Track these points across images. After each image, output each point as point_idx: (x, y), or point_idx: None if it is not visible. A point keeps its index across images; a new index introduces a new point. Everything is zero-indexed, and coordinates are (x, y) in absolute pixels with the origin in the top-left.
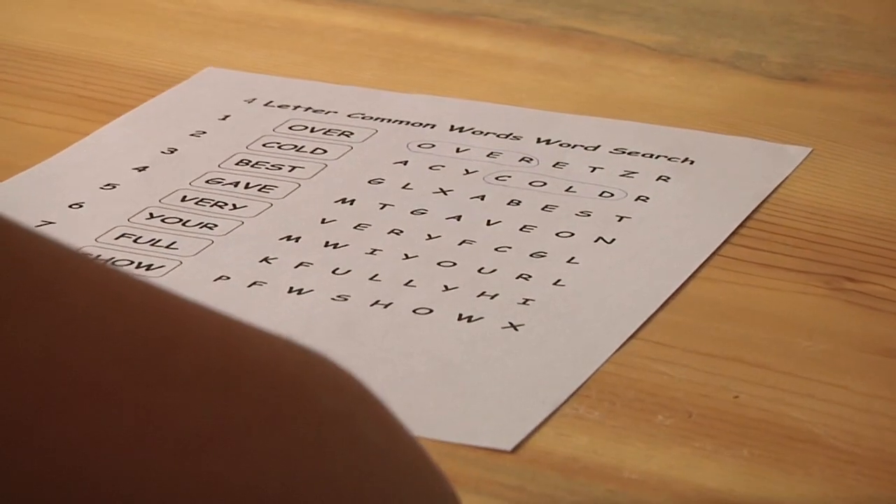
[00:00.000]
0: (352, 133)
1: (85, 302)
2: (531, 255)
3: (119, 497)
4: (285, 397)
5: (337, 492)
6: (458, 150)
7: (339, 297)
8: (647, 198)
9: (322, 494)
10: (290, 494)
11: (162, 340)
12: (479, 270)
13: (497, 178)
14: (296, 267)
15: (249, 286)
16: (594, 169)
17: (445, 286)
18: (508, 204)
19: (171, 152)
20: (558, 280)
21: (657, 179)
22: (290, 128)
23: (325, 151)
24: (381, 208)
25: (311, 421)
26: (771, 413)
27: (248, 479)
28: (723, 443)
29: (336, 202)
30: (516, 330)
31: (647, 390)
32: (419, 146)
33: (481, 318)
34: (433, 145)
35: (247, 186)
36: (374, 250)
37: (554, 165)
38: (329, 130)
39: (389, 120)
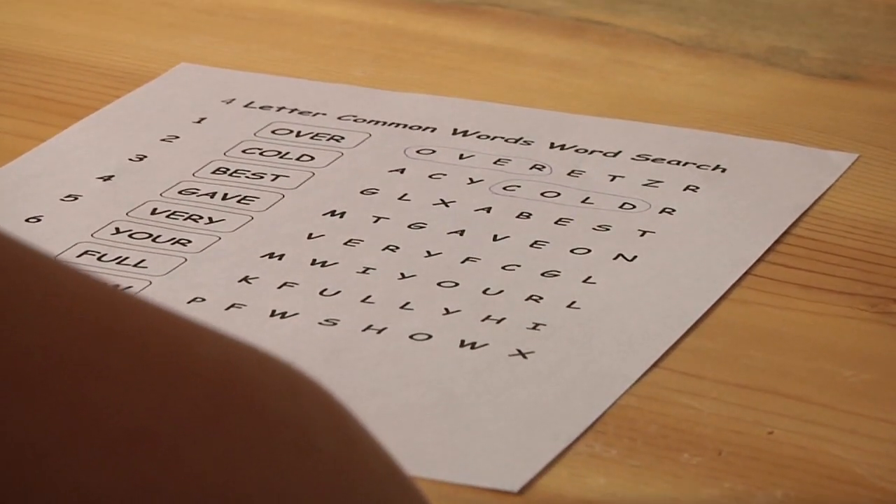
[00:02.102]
0: (342, 137)
1: (9, 285)
2: (542, 275)
3: (43, 497)
4: (231, 398)
5: (281, 502)
6: (461, 157)
7: (327, 321)
8: (674, 210)
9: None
10: (228, 501)
11: (97, 329)
12: (485, 291)
13: (505, 188)
14: (279, 287)
15: (227, 309)
16: (614, 177)
17: (446, 309)
18: (517, 217)
19: (140, 159)
20: (573, 302)
21: (684, 189)
22: (272, 131)
23: (313, 158)
24: (375, 222)
25: (258, 425)
26: (809, 451)
27: (183, 482)
28: (756, 484)
29: (324, 215)
30: (525, 358)
31: (671, 425)
32: (417, 152)
33: (486, 344)
34: (433, 151)
35: (224, 198)
36: (367, 269)
37: (569, 174)
38: (316, 134)
39: (384, 122)
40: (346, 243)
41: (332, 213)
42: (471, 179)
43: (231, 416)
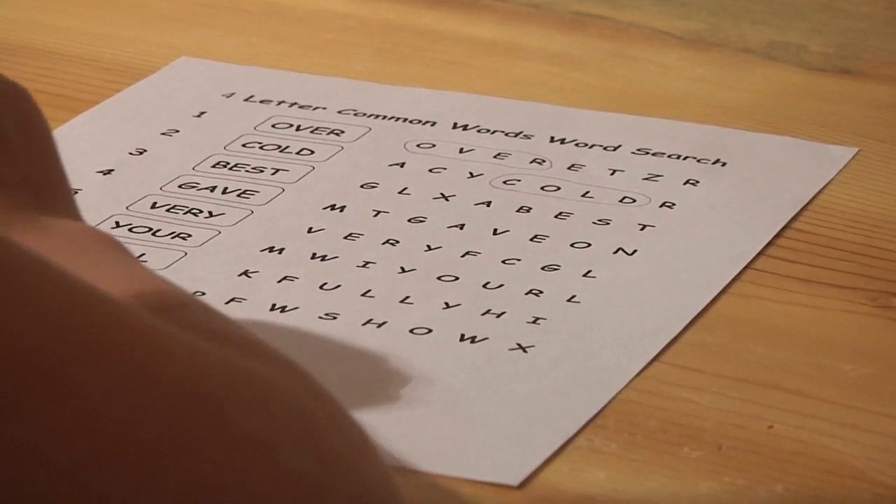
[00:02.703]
0: (342, 131)
1: None
2: (542, 269)
3: None
4: (199, 417)
5: None
6: (461, 151)
7: (327, 315)
8: (674, 204)
9: None
10: None
11: (67, 350)
12: (485, 285)
13: (505, 182)
14: (279, 281)
15: (227, 302)
16: (614, 171)
17: (446, 303)
18: (518, 211)
19: (140, 153)
20: (573, 296)
21: (684, 183)
22: (272, 125)
23: (313, 152)
24: (375, 216)
25: (225, 444)
26: (809, 445)
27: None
28: (756, 478)
29: (324, 209)
30: (525, 352)
31: (671, 420)
32: (418, 146)
33: (486, 338)
34: (433, 145)
35: (224, 191)
36: (367, 263)
37: (569, 168)
38: (317, 128)
39: (384, 117)
40: (346, 237)
41: (332, 207)
42: (471, 173)
43: (198, 436)
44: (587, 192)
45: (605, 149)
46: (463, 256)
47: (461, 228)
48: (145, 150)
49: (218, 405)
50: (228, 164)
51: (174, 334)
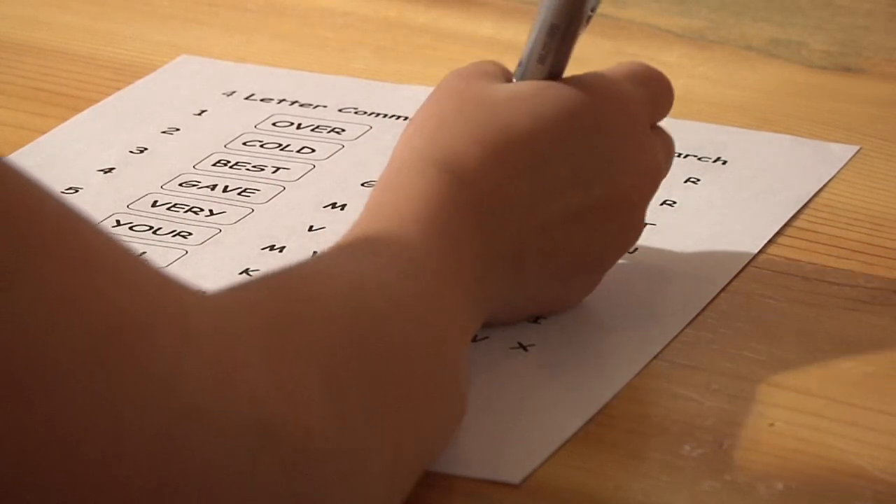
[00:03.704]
0: (343, 130)
1: None
2: None
3: None
4: (118, 349)
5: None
6: None
7: None
8: (674, 202)
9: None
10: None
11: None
12: None
13: None
14: None
15: None
16: None
17: None
18: None
19: (141, 152)
20: None
21: (685, 181)
22: (273, 124)
23: (313, 150)
24: None
25: (129, 371)
26: (810, 443)
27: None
28: (757, 475)
29: (325, 207)
30: (526, 350)
31: (672, 418)
32: None
33: (486, 337)
34: None
35: (225, 190)
36: None
37: None
38: (317, 127)
39: (385, 115)
40: None
41: (333, 206)
42: None
43: (114, 370)
44: None
45: None
46: None
47: None
48: (146, 149)
49: (138, 341)
50: (229, 162)
51: (132, 263)
